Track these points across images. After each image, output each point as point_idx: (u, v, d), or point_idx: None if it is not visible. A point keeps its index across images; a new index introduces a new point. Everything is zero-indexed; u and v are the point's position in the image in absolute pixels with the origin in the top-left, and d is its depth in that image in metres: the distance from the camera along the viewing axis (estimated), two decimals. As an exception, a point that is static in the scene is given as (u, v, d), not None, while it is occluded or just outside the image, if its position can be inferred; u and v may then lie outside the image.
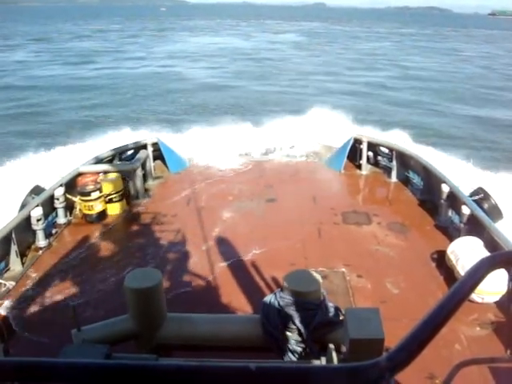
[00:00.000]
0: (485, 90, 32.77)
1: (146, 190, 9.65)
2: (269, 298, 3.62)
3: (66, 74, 37.63)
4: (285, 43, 67.36)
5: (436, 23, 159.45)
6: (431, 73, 40.73)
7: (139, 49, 57.70)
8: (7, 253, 6.72)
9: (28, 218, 7.24)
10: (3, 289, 6.30)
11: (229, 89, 31.82)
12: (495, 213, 7.74)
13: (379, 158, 10.83)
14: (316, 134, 13.20)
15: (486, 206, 7.77)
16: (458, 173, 10.17)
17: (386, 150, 10.60)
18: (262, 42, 70.16)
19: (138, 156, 9.69)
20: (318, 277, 3.59)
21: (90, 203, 8.23)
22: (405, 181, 10.09)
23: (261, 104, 26.50)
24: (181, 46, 62.52)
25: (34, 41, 65.92)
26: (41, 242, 7.43)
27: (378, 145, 10.77)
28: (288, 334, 3.38)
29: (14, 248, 6.79)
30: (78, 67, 41.31)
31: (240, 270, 6.66)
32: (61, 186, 8.14)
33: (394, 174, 10.27)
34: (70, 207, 8.42)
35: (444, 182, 8.15)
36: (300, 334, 3.34)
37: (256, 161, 11.57)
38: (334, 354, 2.69)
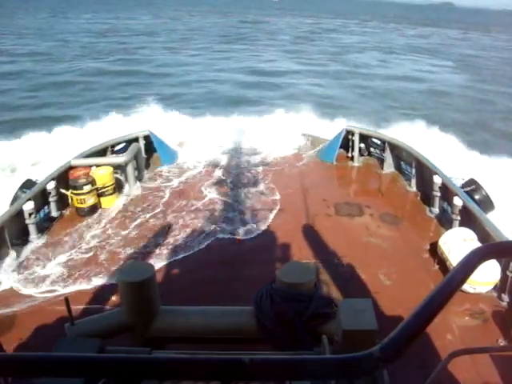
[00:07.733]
0: None
1: (138, 183, 9.62)
2: (262, 290, 3.63)
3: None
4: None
5: None
6: None
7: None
8: None
9: (20, 213, 7.19)
10: None
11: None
12: (487, 204, 7.81)
13: (371, 149, 10.86)
14: (308, 126, 13.20)
15: (477, 197, 7.84)
16: (450, 163, 10.22)
17: (379, 142, 10.62)
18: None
19: (129, 149, 9.63)
20: (311, 268, 3.60)
21: (82, 196, 8.17)
22: (397, 172, 10.14)
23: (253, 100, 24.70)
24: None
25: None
26: (33, 236, 7.38)
27: (370, 136, 10.79)
28: (281, 325, 3.39)
29: (6, 242, 6.75)
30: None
31: (233, 263, 6.68)
32: (52, 179, 8.08)
33: (386, 165, 10.31)
34: (62, 201, 8.38)
35: (436, 174, 8.19)
36: (293, 325, 3.35)
37: (249, 153, 11.57)
38: (327, 346, 2.70)
